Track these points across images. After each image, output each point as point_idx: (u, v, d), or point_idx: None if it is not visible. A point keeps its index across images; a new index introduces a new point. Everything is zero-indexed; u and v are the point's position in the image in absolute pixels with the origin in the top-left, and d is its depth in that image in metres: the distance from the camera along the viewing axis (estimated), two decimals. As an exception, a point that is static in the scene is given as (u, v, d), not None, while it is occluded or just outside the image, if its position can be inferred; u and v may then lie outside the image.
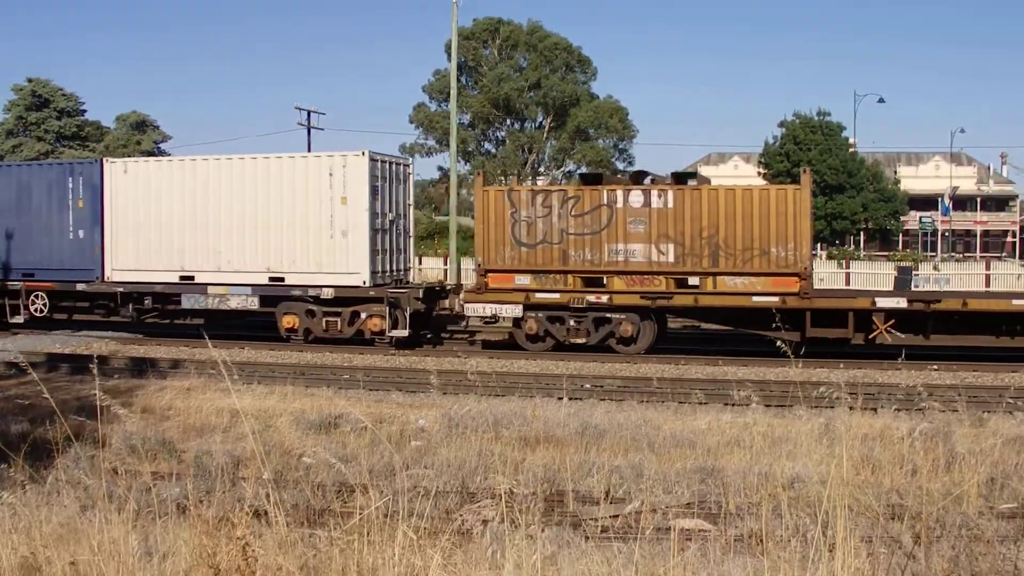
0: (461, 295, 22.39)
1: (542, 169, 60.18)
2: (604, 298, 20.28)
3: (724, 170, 73.45)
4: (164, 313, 24.06)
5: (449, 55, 39.84)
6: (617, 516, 8.04)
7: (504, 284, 20.91)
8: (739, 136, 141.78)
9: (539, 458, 9.85)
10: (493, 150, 60.52)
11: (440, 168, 62.23)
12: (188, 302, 22.78)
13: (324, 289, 21.66)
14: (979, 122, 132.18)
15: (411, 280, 24.28)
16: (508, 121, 59.25)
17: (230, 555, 4.79)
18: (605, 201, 20.29)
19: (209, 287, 22.50)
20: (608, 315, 20.44)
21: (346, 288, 21.59)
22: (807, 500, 7.37)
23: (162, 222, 22.80)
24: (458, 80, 38.68)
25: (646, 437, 10.98)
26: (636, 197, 20.14)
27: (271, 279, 22.19)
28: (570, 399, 15.07)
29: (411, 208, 23.97)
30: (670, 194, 20.01)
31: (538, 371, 18.26)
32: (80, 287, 23.64)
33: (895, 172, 69.82)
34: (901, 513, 7.56)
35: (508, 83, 55.76)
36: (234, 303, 22.48)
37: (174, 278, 22.86)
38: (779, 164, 53.46)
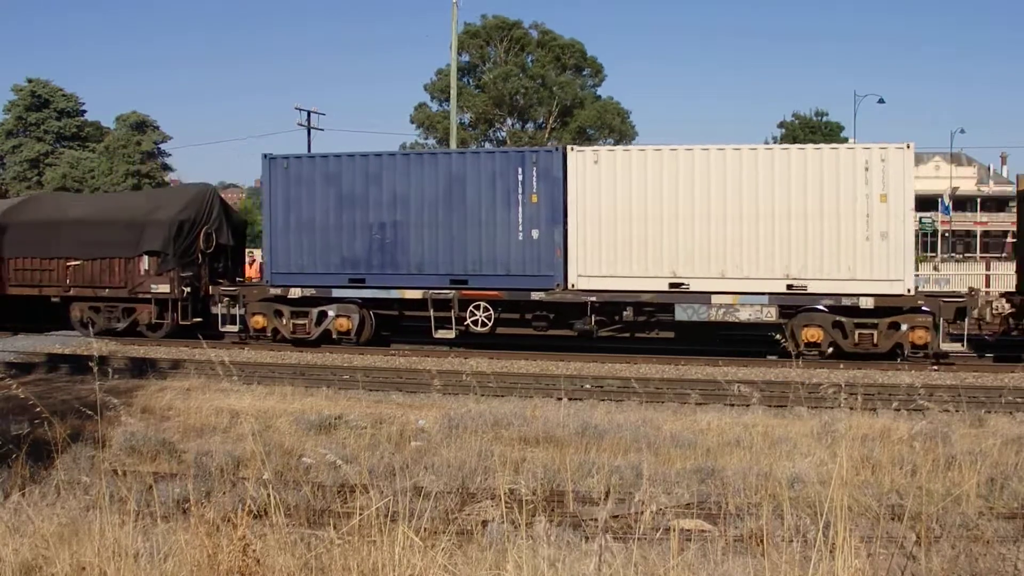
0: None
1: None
2: None
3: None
4: (630, 325, 20.99)
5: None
6: (617, 516, 8.05)
7: None
8: (739, 136, 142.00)
9: (539, 458, 9.86)
10: (494, 150, 60.56)
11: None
12: (684, 313, 19.93)
13: (861, 298, 19.05)
14: (979, 122, 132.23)
15: None
16: (510, 121, 59.26)
17: (231, 556, 4.81)
18: None
19: (713, 296, 19.75)
20: None
21: (887, 297, 19.06)
22: (807, 500, 7.38)
23: (647, 222, 20.04)
24: (462, 80, 38.65)
25: (646, 437, 10.98)
26: None
27: (789, 287, 19.52)
28: (570, 399, 15.06)
29: None
30: None
31: (538, 371, 18.27)
32: (536, 296, 20.55)
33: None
34: (901, 513, 7.57)
35: (513, 80, 55.75)
36: (744, 315, 19.72)
37: (663, 286, 20.01)
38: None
